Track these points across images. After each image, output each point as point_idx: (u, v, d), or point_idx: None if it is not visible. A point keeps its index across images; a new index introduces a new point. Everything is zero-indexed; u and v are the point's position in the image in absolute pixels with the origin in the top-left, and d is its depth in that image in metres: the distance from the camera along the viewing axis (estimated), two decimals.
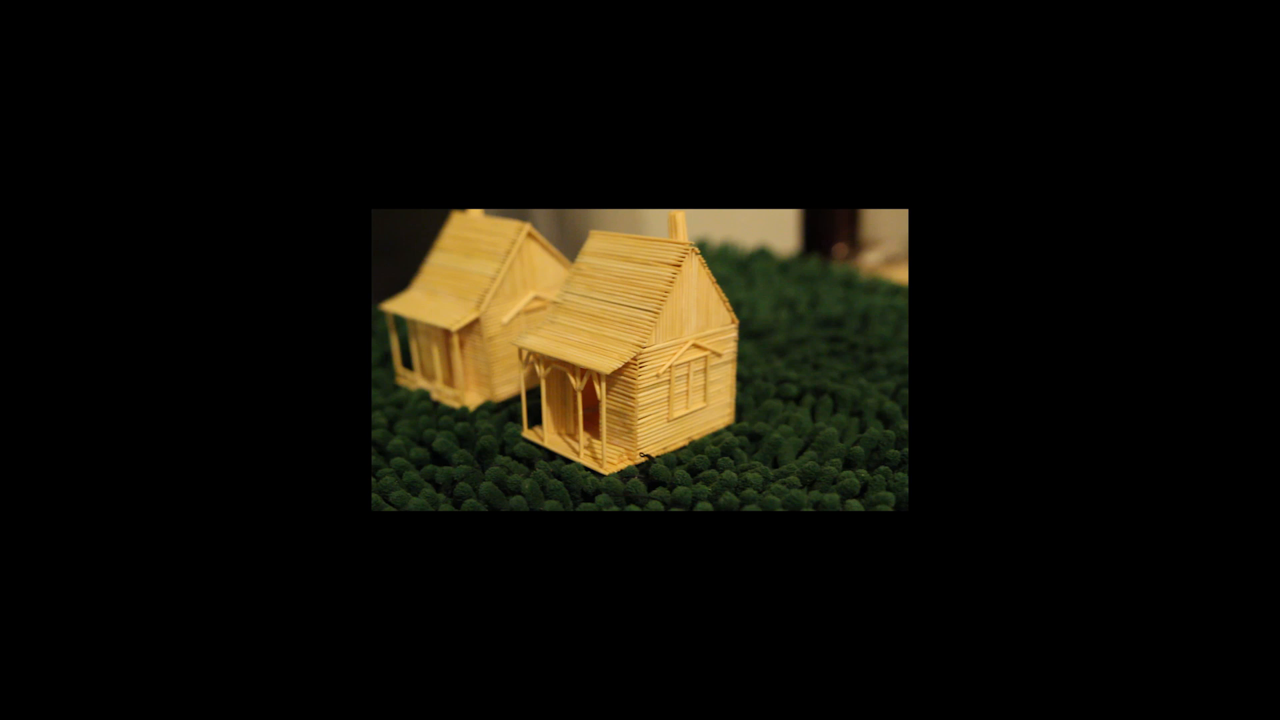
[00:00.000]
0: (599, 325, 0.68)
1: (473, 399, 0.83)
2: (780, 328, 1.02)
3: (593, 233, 0.75)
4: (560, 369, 0.69)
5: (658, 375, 0.66)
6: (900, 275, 1.78)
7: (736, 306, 1.10)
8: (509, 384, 0.84)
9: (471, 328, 0.81)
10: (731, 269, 1.32)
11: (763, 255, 1.37)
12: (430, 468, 0.66)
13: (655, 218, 1.81)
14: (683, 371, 0.69)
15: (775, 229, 1.81)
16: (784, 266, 1.31)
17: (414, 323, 0.87)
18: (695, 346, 0.69)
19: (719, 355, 0.72)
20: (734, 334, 0.73)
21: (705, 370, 0.71)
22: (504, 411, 0.78)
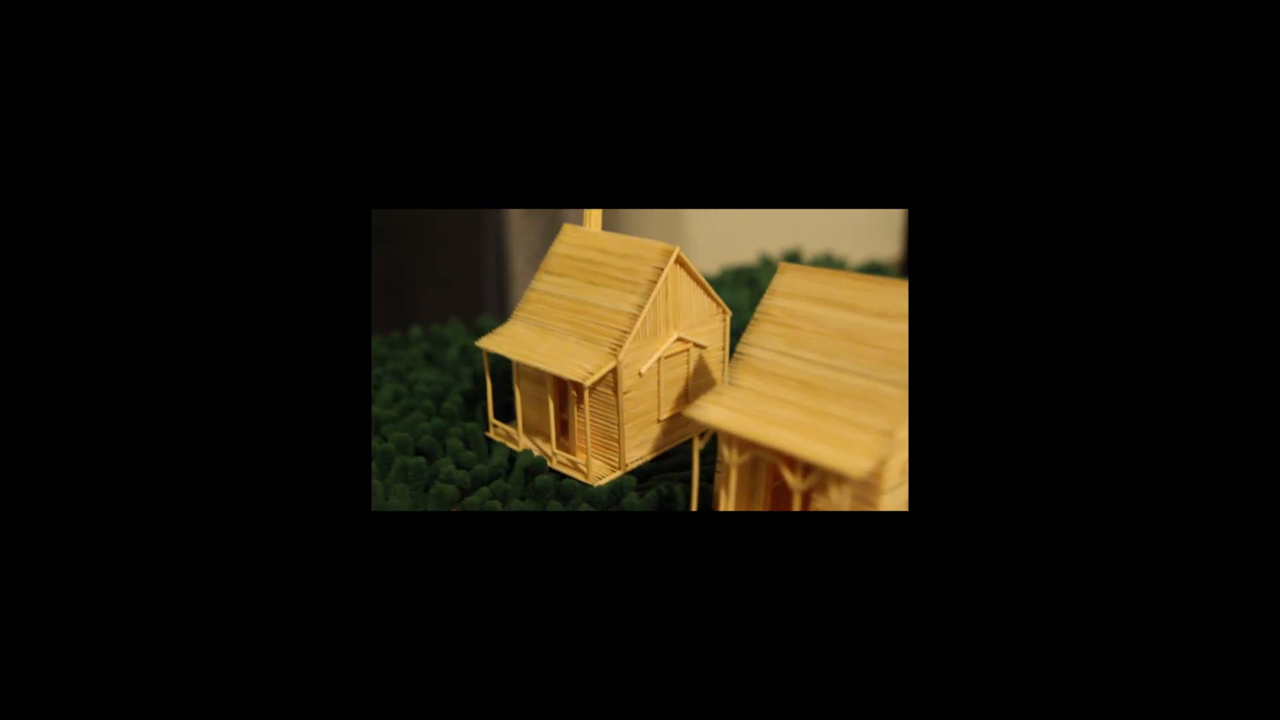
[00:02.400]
0: (815, 397, 0.50)
1: (597, 468, 0.65)
2: None
3: (782, 266, 0.57)
4: (768, 459, 0.51)
5: (902, 472, 0.48)
6: None
7: None
8: (640, 447, 0.66)
9: (602, 379, 0.63)
10: None
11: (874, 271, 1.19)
12: None
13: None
14: None
15: (875, 234, 1.61)
16: None
17: (520, 367, 0.68)
18: None
19: None
20: None
21: None
22: (651, 493, 0.60)
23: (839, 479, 0.46)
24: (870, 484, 0.47)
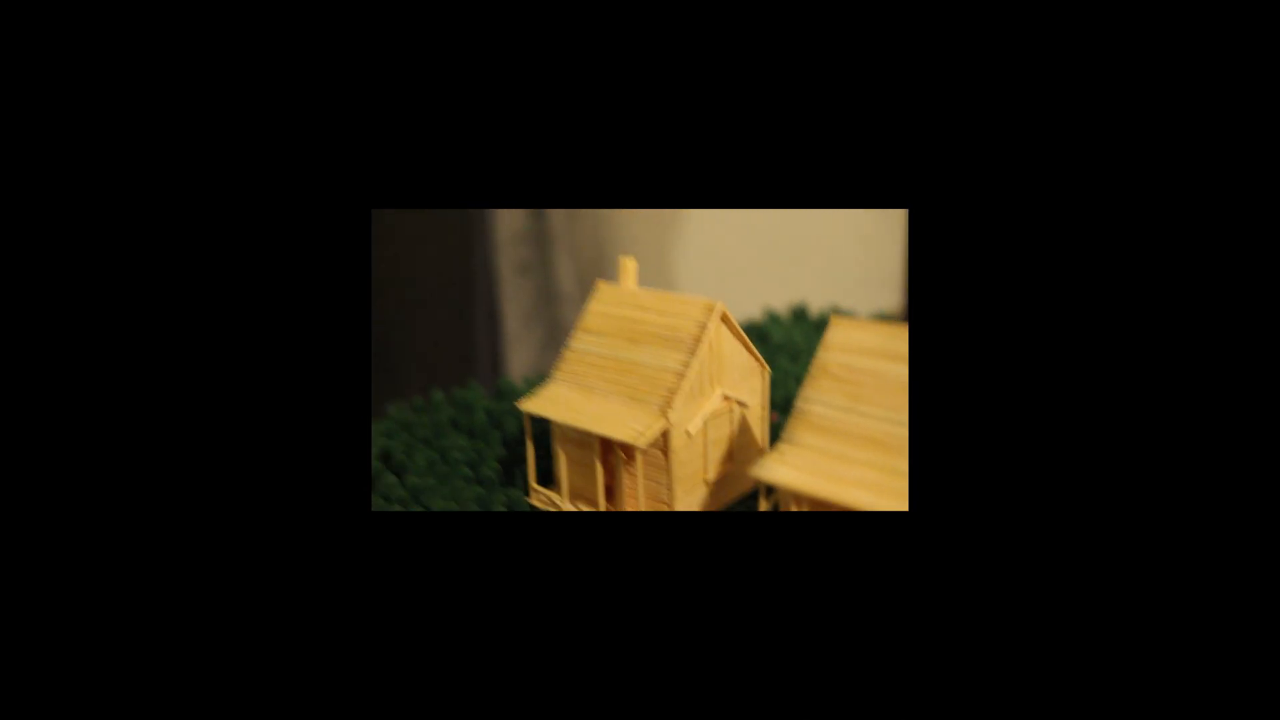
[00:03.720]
0: (887, 455, 0.49)
1: None
2: None
3: (833, 319, 0.57)
4: None
5: None
6: None
7: None
8: (689, 508, 0.65)
9: (653, 439, 0.62)
10: None
11: None
12: None
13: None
14: None
15: (876, 287, 1.62)
16: None
17: (562, 430, 0.67)
18: None
19: None
20: None
21: None
22: None
23: None
24: None
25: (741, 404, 0.68)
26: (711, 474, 0.66)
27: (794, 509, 0.51)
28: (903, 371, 0.52)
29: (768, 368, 0.70)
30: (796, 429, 0.54)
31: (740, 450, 0.69)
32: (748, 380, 0.68)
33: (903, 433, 0.50)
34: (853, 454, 0.51)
